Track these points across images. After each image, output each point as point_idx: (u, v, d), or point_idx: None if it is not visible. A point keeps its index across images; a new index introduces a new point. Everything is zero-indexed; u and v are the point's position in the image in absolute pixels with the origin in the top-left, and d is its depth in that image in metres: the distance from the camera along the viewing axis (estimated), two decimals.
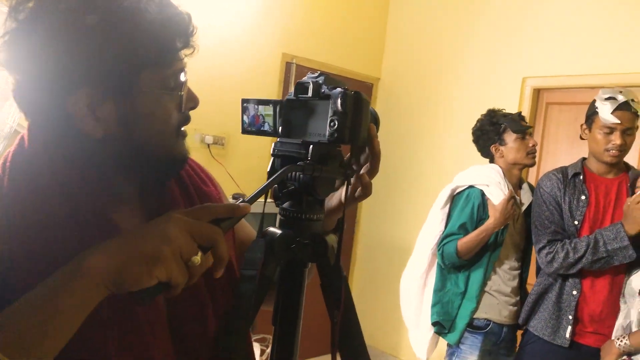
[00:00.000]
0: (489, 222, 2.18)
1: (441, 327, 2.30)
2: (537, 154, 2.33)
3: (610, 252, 1.94)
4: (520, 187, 2.37)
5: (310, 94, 0.74)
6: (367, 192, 0.80)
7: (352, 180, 0.79)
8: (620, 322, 1.97)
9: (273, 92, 3.54)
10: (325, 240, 0.74)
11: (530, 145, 2.29)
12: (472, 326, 2.25)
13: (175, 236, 0.58)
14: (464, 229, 2.23)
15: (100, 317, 0.62)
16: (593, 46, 3.05)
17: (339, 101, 0.70)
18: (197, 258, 0.59)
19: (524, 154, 2.28)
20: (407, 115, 4.06)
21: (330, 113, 0.71)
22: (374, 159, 0.79)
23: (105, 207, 0.71)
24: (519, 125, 2.29)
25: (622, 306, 1.98)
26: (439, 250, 2.29)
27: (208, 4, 3.16)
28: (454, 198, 2.36)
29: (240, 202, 0.64)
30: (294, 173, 0.72)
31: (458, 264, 2.25)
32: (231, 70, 3.30)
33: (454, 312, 2.27)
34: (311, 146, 0.72)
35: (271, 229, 0.76)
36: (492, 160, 2.38)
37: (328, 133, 0.71)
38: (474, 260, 2.25)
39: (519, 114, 2.37)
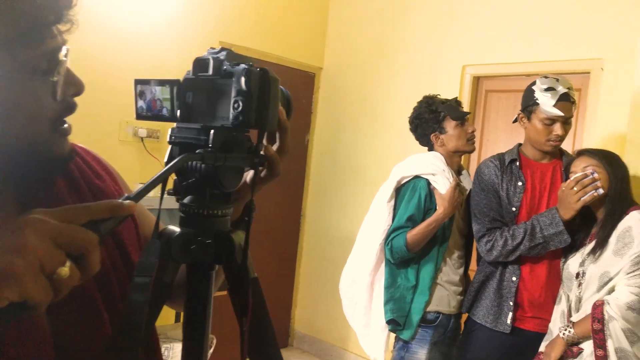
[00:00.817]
0: (439, 212, 2.13)
1: (396, 324, 2.24)
2: (477, 142, 2.32)
3: (546, 238, 1.95)
4: (460, 174, 2.34)
5: (210, 72, 0.64)
6: (273, 172, 0.70)
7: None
8: (558, 306, 1.99)
9: None
10: (231, 239, 0.65)
11: (470, 131, 2.26)
12: (423, 320, 2.20)
13: (33, 245, 0.47)
14: (412, 221, 2.17)
15: None
16: (530, 34, 3.08)
17: (242, 79, 0.62)
18: (66, 269, 0.48)
19: (465, 140, 2.25)
20: (350, 105, 4.01)
21: (233, 93, 0.62)
22: (282, 136, 0.70)
23: None
24: (458, 111, 2.26)
25: (560, 291, 2.00)
26: (387, 245, 2.22)
27: None
28: (399, 190, 2.30)
29: (124, 198, 0.54)
30: (193, 163, 0.63)
31: (407, 257, 2.19)
32: (165, 58, 3.14)
33: (407, 307, 2.21)
34: (212, 131, 0.63)
35: (170, 227, 0.66)
36: (431, 149, 2.34)
37: (232, 116, 0.62)
38: (424, 252, 2.20)
39: (456, 99, 2.33)
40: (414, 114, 2.35)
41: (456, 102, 2.31)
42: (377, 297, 2.31)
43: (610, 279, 1.77)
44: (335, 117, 4.10)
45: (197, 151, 0.61)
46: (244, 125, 0.62)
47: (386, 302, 2.25)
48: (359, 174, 3.88)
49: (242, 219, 0.75)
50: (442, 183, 2.16)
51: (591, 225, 1.96)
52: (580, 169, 1.92)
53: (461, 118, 2.25)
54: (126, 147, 3.03)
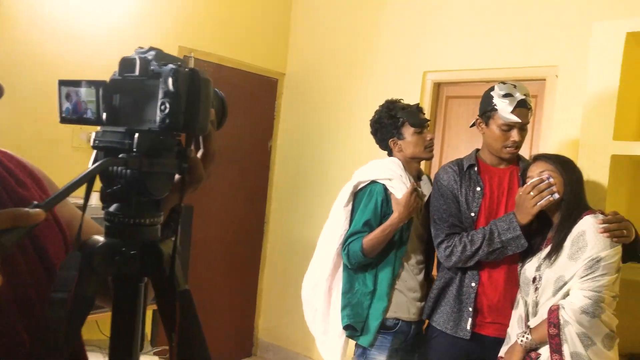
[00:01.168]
0: (394, 217, 2.13)
1: (353, 330, 2.21)
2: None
3: (504, 243, 1.96)
4: (419, 179, 2.34)
5: (137, 72, 0.61)
6: (194, 177, 0.67)
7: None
8: (516, 311, 2.00)
9: None
10: (159, 249, 0.61)
11: (428, 139, 2.25)
12: (382, 326, 2.18)
13: None
14: (368, 226, 2.16)
15: None
16: (488, 42, 3.12)
17: (170, 80, 0.58)
18: None
19: (422, 148, 2.25)
20: (314, 111, 3.99)
21: (160, 95, 0.59)
22: (205, 141, 0.68)
23: None
24: (418, 118, 2.25)
25: (518, 296, 2.01)
26: (343, 250, 2.20)
27: None
28: (356, 195, 2.28)
29: (33, 206, 0.50)
30: (118, 169, 0.59)
31: (364, 262, 2.17)
32: None
33: (365, 312, 2.19)
34: (137, 135, 0.59)
35: (94, 237, 0.62)
36: (390, 153, 2.33)
37: (159, 119, 0.58)
38: (381, 257, 2.18)
39: (417, 105, 2.33)
40: (375, 117, 2.35)
41: (417, 109, 2.30)
42: (335, 303, 2.29)
43: (565, 283, 1.78)
44: (299, 123, 4.08)
45: (120, 155, 0.57)
46: (171, 128, 0.58)
47: (343, 308, 2.23)
48: (323, 179, 3.86)
49: (167, 224, 0.71)
50: (399, 188, 2.16)
51: (547, 230, 1.98)
52: (537, 173, 1.93)
53: (420, 125, 2.24)
54: (80, 154, 2.92)
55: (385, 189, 2.20)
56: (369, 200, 2.20)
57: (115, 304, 0.64)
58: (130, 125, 0.60)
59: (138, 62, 0.60)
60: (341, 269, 2.28)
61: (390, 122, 2.26)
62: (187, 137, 0.65)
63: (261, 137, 4.10)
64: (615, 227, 1.77)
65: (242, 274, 4.10)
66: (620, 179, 2.44)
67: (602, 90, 2.24)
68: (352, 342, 2.31)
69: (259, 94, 4.03)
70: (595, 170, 2.20)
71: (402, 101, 2.35)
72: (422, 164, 2.51)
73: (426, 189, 2.31)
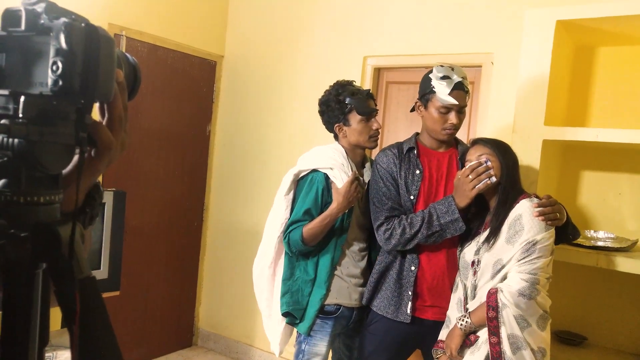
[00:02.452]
0: (332, 207, 2.09)
1: (292, 317, 2.19)
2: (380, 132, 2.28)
3: (443, 226, 1.97)
4: (363, 166, 2.31)
5: (23, 27, 0.52)
6: (102, 146, 0.59)
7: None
8: (455, 294, 2.02)
9: None
10: (56, 232, 0.53)
11: (374, 128, 2.20)
12: (322, 312, 2.16)
13: None
14: (309, 215, 2.12)
15: None
16: (427, 27, 3.13)
17: (62, 36, 0.50)
18: None
19: (367, 137, 2.19)
20: (254, 94, 3.89)
21: (52, 53, 0.51)
22: (110, 107, 0.60)
23: None
24: (366, 107, 2.18)
25: (457, 279, 2.03)
26: (284, 238, 2.16)
27: None
28: (298, 183, 2.23)
29: None
30: (1, 138, 0.51)
31: (305, 251, 2.14)
32: None
33: (305, 300, 2.16)
34: (22, 98, 0.50)
35: None
36: (336, 137, 2.28)
37: (51, 81, 0.50)
38: (322, 245, 2.15)
39: (368, 92, 2.25)
40: (323, 98, 2.26)
41: (367, 96, 2.22)
42: (277, 290, 2.25)
43: (503, 267, 1.81)
44: (238, 107, 3.97)
45: (1, 122, 0.49)
46: (65, 92, 0.50)
47: (283, 295, 2.19)
48: (264, 164, 3.79)
49: (83, 209, 0.63)
50: (340, 177, 2.12)
51: (485, 214, 2.01)
52: (475, 157, 1.94)
53: (368, 114, 2.18)
54: None
55: (327, 178, 2.16)
56: (310, 189, 2.16)
57: (6, 296, 0.55)
58: (17, 87, 0.52)
59: (24, 14, 0.52)
60: (283, 255, 2.24)
61: (338, 107, 2.19)
62: (86, 102, 0.56)
63: (200, 121, 3.97)
64: (549, 211, 1.81)
65: (182, 262, 3.97)
66: (551, 163, 2.52)
67: (534, 77, 2.28)
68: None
69: (197, 76, 3.89)
70: (527, 154, 2.25)
71: (354, 84, 2.27)
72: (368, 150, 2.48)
73: (368, 175, 2.27)
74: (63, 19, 0.51)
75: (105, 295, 2.57)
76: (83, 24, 0.51)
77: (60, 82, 0.50)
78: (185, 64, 3.77)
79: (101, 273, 2.40)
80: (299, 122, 3.58)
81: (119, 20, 3.23)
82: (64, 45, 0.50)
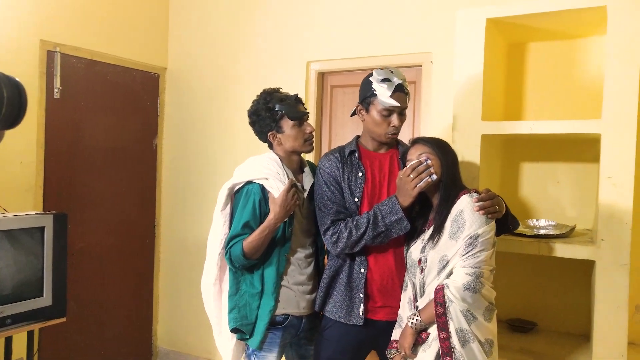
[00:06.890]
0: (270, 218, 2.05)
1: (242, 333, 2.14)
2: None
3: (388, 226, 1.98)
4: (302, 171, 2.29)
5: None
6: None
7: None
8: (405, 293, 2.04)
9: (33, 85, 3.04)
10: None
11: (308, 131, 2.19)
12: (271, 323, 2.12)
13: None
14: (248, 228, 2.08)
15: None
16: (367, 30, 3.17)
17: None
18: None
19: (302, 141, 2.18)
20: (199, 106, 3.85)
21: None
22: None
23: None
24: (297, 111, 2.17)
25: (406, 278, 2.05)
26: (226, 254, 2.11)
27: None
28: (234, 196, 2.19)
29: None
30: None
31: (248, 265, 2.10)
32: None
33: (254, 314, 2.11)
34: None
35: None
36: (270, 146, 2.27)
37: None
38: (265, 257, 2.11)
39: (296, 96, 2.25)
40: (252, 108, 2.25)
41: (296, 101, 2.21)
42: (225, 306, 2.21)
43: (448, 262, 1.83)
44: (185, 119, 3.92)
45: None
46: None
47: (230, 311, 2.15)
48: (213, 176, 3.75)
49: None
50: (277, 187, 2.09)
51: (429, 212, 2.03)
52: (415, 156, 1.97)
53: (299, 118, 2.17)
54: None
55: (263, 188, 2.12)
56: (247, 202, 2.11)
57: None
58: None
59: None
60: (227, 271, 2.21)
61: (268, 115, 2.17)
62: None
63: (146, 135, 3.89)
64: (489, 205, 1.85)
65: (136, 281, 3.88)
66: (492, 157, 2.59)
67: (469, 75, 2.34)
68: None
69: (140, 90, 3.82)
70: (468, 150, 2.31)
71: (281, 90, 2.26)
72: (308, 155, 2.47)
73: (308, 180, 2.25)
74: None
75: (50, 323, 2.47)
76: None
77: None
78: (126, 78, 3.69)
79: (44, 300, 2.30)
80: (245, 132, 3.53)
81: (52, 36, 3.13)
82: None
